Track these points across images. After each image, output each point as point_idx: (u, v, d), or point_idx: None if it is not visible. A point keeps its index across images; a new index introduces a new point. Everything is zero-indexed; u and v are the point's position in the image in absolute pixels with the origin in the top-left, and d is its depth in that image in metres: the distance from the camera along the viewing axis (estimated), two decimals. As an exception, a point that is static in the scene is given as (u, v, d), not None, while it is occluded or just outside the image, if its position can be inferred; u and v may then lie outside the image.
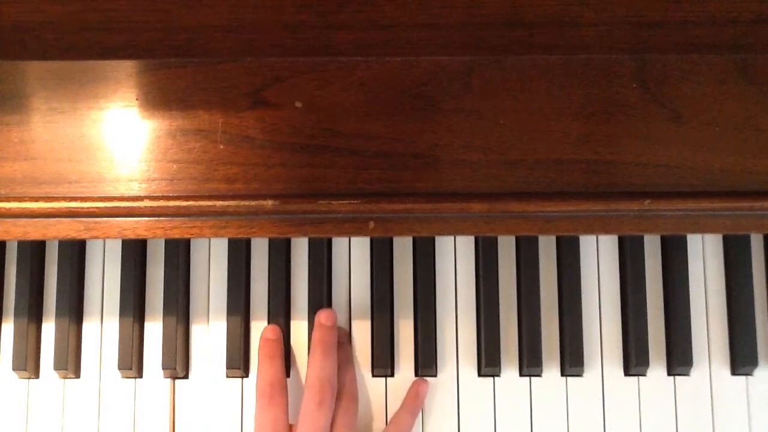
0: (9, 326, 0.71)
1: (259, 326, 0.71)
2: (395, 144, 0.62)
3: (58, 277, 0.71)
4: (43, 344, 0.71)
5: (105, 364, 0.71)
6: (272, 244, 0.71)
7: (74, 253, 0.71)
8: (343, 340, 0.71)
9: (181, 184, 0.62)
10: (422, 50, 0.62)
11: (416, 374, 0.71)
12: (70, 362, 0.69)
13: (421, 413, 0.70)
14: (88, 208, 0.61)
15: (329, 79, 0.62)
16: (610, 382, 0.70)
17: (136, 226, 0.62)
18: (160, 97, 0.63)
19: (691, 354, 0.70)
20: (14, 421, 0.70)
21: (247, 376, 0.71)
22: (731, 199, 0.62)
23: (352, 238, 0.72)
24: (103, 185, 0.62)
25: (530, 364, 0.69)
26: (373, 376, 0.71)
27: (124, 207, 0.61)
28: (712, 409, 0.70)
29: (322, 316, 0.68)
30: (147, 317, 0.72)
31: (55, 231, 0.62)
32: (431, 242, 0.71)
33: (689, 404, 0.70)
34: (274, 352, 0.68)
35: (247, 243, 0.71)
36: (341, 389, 0.67)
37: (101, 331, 0.71)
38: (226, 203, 0.61)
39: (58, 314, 0.70)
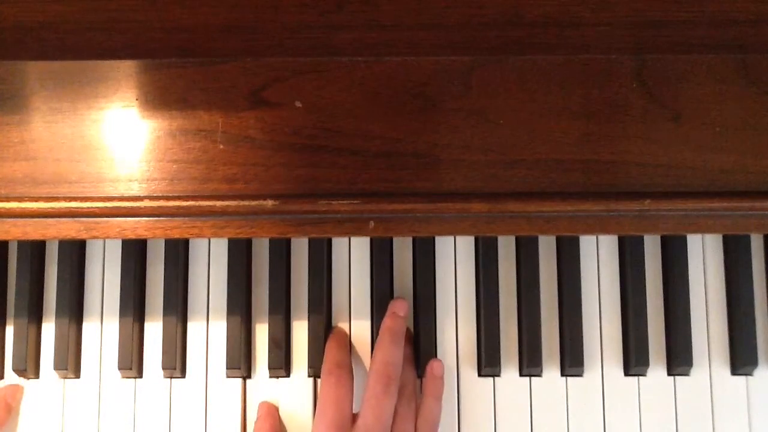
0: (9, 326, 0.71)
1: (259, 326, 0.71)
2: (395, 144, 0.62)
3: (58, 277, 0.71)
4: (43, 344, 0.71)
5: (105, 364, 0.71)
6: (272, 244, 0.71)
7: (74, 253, 0.71)
8: (410, 337, 0.70)
9: (181, 184, 0.62)
10: (422, 50, 0.62)
11: (416, 374, 0.71)
12: (70, 362, 0.70)
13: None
14: (88, 208, 0.61)
15: (329, 79, 0.62)
16: (610, 382, 0.70)
17: (136, 226, 0.62)
18: (160, 97, 0.63)
19: (691, 354, 0.70)
20: (15, 421, 0.70)
21: (248, 376, 0.71)
22: (731, 199, 0.62)
23: (352, 238, 0.72)
24: (103, 185, 0.62)
25: (530, 364, 0.69)
26: (373, 376, 0.71)
27: (124, 207, 0.61)
28: (712, 409, 0.70)
29: (397, 305, 0.69)
30: (147, 317, 0.72)
31: (55, 231, 0.62)
32: (431, 242, 0.71)
33: (689, 404, 0.70)
34: (342, 342, 0.69)
35: (247, 243, 0.71)
36: (403, 383, 0.67)
37: (101, 331, 0.71)
38: (226, 203, 0.61)
39: (58, 314, 0.70)
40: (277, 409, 0.70)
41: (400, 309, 0.69)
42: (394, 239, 0.72)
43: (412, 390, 0.68)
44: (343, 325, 0.71)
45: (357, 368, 0.70)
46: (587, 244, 0.72)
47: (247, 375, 0.71)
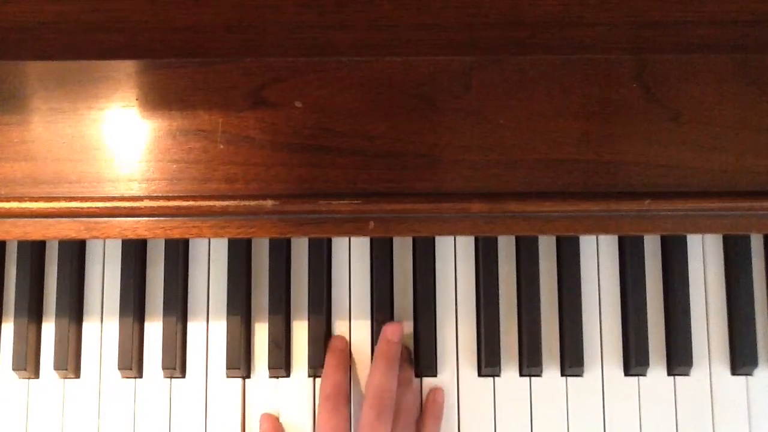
0: (9, 326, 0.71)
1: (259, 326, 0.71)
2: (395, 144, 0.62)
3: (58, 277, 0.71)
4: (43, 344, 0.71)
5: (105, 364, 0.71)
6: (272, 244, 0.71)
7: (74, 253, 0.71)
8: (405, 359, 0.70)
9: (181, 184, 0.62)
10: (422, 50, 0.62)
11: (416, 374, 0.71)
12: (70, 362, 0.69)
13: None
14: (88, 208, 0.61)
15: (329, 79, 0.62)
16: (610, 382, 0.70)
17: (136, 226, 0.62)
18: (160, 97, 0.63)
19: (691, 354, 0.70)
20: (14, 421, 0.70)
21: (248, 376, 0.71)
22: (731, 199, 0.62)
23: (352, 238, 0.72)
24: (103, 185, 0.62)
25: (530, 364, 0.69)
26: (373, 376, 0.71)
27: (124, 207, 0.61)
28: (712, 409, 0.70)
29: (389, 330, 0.68)
30: (147, 317, 0.72)
31: (55, 231, 0.62)
32: (431, 242, 0.71)
33: (689, 404, 0.70)
34: (340, 363, 0.69)
35: (247, 243, 0.71)
36: (400, 407, 0.67)
37: (101, 331, 0.71)
38: (226, 203, 0.61)
39: (58, 314, 0.70)
40: (278, 421, 0.69)
41: (394, 335, 0.68)
42: (394, 239, 0.72)
43: (412, 415, 0.68)
44: (343, 325, 0.71)
45: (357, 369, 0.71)
46: (587, 244, 0.72)
47: (246, 375, 0.71)
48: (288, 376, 0.71)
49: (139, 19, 0.62)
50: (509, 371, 0.71)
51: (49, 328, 0.71)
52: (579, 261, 0.71)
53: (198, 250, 0.72)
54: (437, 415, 0.69)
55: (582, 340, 0.70)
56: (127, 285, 0.71)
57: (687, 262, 0.71)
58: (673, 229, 0.64)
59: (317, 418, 0.67)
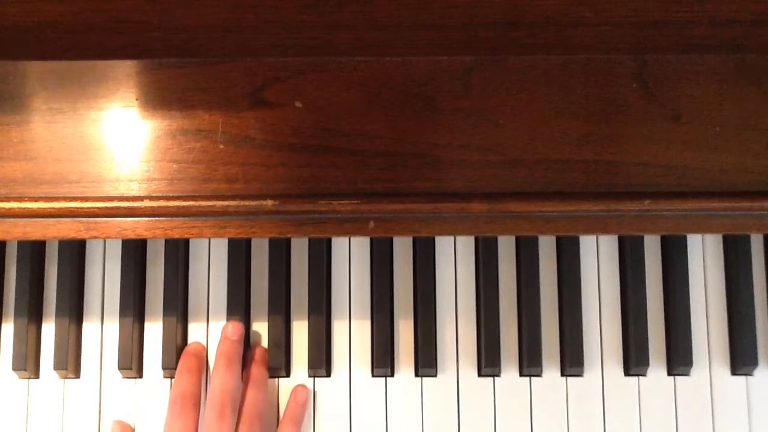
0: (9, 326, 0.71)
1: (259, 326, 0.71)
2: (395, 144, 0.62)
3: (58, 277, 0.71)
4: (43, 344, 0.71)
5: (105, 364, 0.71)
6: (272, 244, 0.71)
7: (74, 253, 0.71)
8: (258, 358, 0.70)
9: (181, 184, 0.62)
10: (422, 50, 0.62)
11: (416, 374, 0.71)
12: (70, 362, 0.70)
13: (422, 413, 0.70)
14: (88, 208, 0.61)
15: (329, 79, 0.62)
16: (610, 382, 0.70)
17: (136, 226, 0.62)
18: (160, 97, 0.63)
19: (691, 354, 0.70)
20: (14, 421, 0.70)
21: (247, 376, 0.71)
22: (731, 199, 0.62)
23: (352, 238, 0.72)
24: (103, 185, 0.62)
25: (530, 364, 0.69)
26: (373, 376, 0.71)
27: (124, 207, 0.61)
28: (712, 409, 0.70)
29: (229, 329, 0.69)
30: (147, 317, 0.72)
31: (55, 231, 0.62)
32: (431, 242, 0.71)
33: (689, 404, 0.70)
34: (192, 366, 0.68)
35: (247, 243, 0.71)
36: (246, 406, 0.67)
37: (101, 331, 0.71)
38: (226, 203, 0.61)
39: (58, 314, 0.70)
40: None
41: (233, 333, 0.68)
42: (394, 239, 0.72)
43: (260, 415, 0.67)
44: (343, 325, 0.71)
45: (355, 370, 0.71)
46: (587, 244, 0.72)
47: (247, 375, 0.71)
48: (288, 376, 0.71)
49: (139, 19, 0.62)
50: (509, 371, 0.71)
51: (49, 328, 0.71)
52: (579, 261, 0.71)
53: (198, 250, 0.72)
54: (295, 418, 0.68)
55: (582, 340, 0.70)
56: (127, 285, 0.71)
57: (687, 262, 0.71)
58: (673, 229, 0.64)
59: (165, 422, 0.67)
